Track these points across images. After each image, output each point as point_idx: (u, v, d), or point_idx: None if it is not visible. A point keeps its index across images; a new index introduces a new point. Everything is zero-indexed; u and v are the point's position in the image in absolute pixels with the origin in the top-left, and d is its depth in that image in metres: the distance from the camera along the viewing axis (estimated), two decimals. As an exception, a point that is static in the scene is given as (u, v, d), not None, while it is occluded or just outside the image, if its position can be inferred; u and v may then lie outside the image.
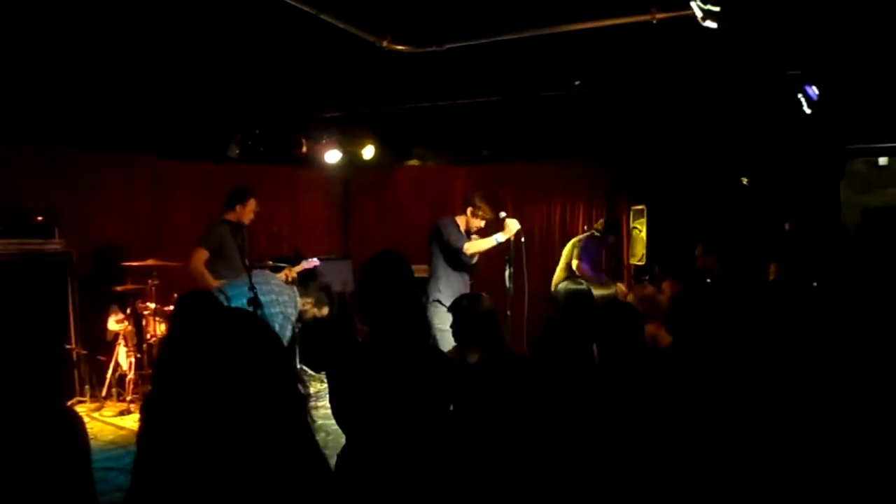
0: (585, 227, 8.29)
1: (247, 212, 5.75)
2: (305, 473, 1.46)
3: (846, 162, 7.54)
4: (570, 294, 3.56)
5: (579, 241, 7.14)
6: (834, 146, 7.16)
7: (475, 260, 5.22)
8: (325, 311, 6.58)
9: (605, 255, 7.48)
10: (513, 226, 4.94)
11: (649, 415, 2.60)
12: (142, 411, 1.96)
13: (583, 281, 3.64)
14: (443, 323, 4.90)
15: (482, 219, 5.13)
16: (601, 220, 7.50)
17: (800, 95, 5.48)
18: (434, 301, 4.96)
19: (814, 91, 5.40)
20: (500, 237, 4.94)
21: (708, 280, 4.82)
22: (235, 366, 1.42)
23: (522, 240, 4.99)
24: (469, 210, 5.13)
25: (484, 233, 5.21)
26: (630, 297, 3.90)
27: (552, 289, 7.02)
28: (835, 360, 3.21)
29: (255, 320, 1.62)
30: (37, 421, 1.89)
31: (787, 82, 5.47)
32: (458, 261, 5.03)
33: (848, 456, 2.67)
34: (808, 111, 5.52)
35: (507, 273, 5.05)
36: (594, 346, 2.98)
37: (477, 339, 2.94)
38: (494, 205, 5.13)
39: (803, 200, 7.28)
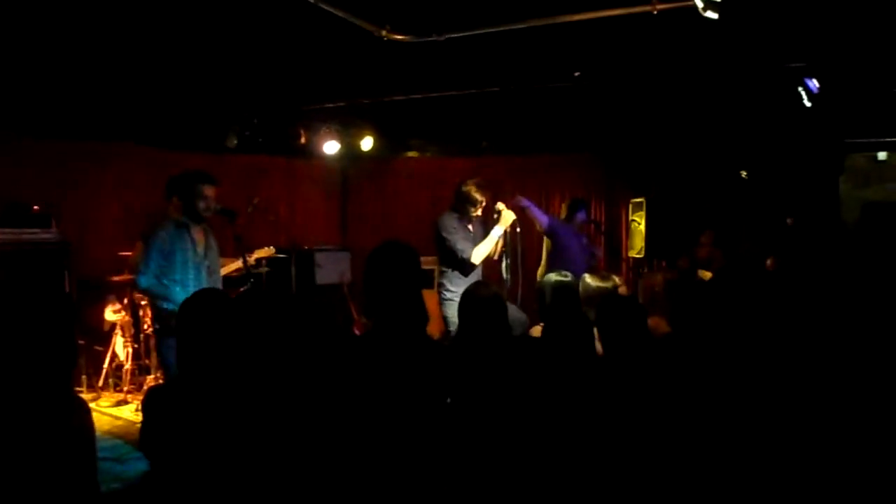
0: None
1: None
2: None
3: (846, 156, 7.53)
4: (556, 286, 3.51)
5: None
6: (834, 140, 7.15)
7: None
8: None
9: (583, 236, 6.47)
10: (508, 217, 4.86)
11: (653, 407, 2.59)
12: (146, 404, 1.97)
13: (567, 273, 3.58)
14: (455, 316, 4.84)
15: (481, 207, 4.93)
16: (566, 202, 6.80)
17: (800, 88, 5.46)
18: (447, 300, 4.82)
19: (814, 84, 5.38)
20: (500, 230, 4.85)
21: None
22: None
23: (518, 230, 4.94)
24: (466, 206, 4.88)
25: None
26: (623, 290, 3.85)
27: (538, 279, 6.87)
28: (833, 354, 3.20)
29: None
30: (43, 406, 1.90)
31: (787, 75, 5.45)
32: (461, 266, 4.85)
33: (844, 449, 2.67)
34: (808, 104, 5.50)
35: (503, 265, 4.96)
36: (596, 338, 2.97)
37: (479, 325, 2.85)
38: (488, 190, 4.92)
39: (803, 194, 7.27)
